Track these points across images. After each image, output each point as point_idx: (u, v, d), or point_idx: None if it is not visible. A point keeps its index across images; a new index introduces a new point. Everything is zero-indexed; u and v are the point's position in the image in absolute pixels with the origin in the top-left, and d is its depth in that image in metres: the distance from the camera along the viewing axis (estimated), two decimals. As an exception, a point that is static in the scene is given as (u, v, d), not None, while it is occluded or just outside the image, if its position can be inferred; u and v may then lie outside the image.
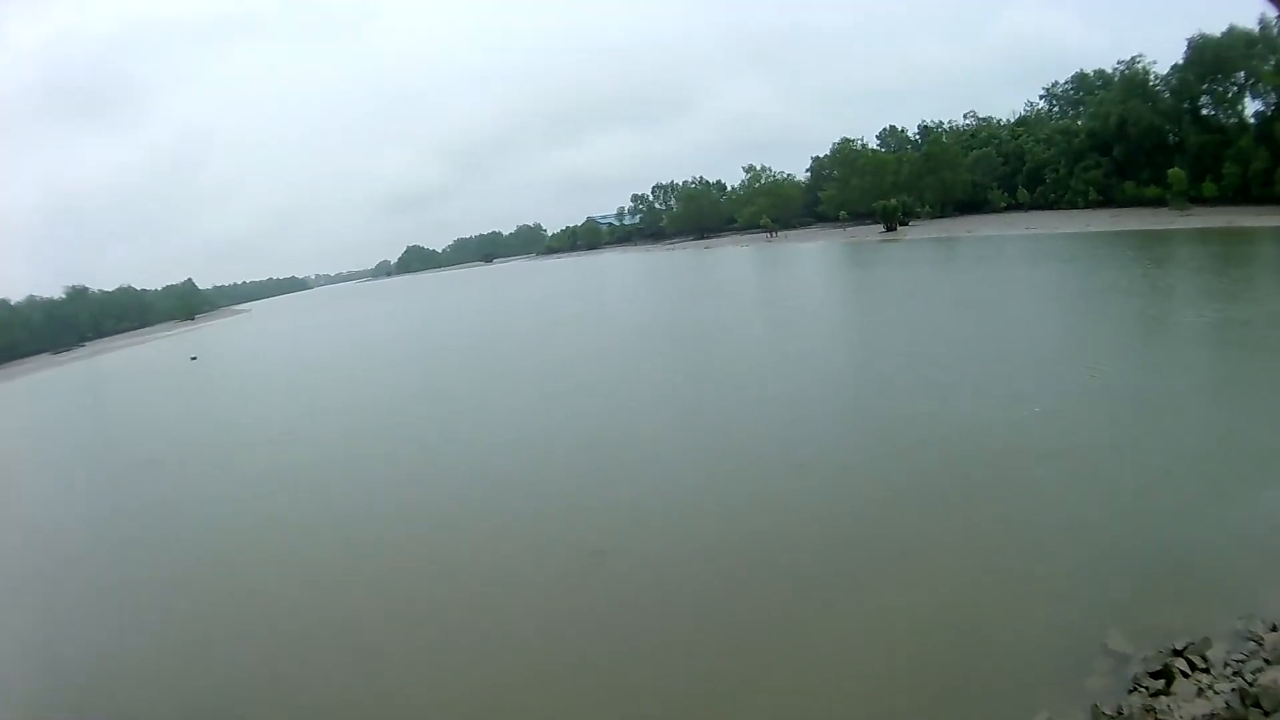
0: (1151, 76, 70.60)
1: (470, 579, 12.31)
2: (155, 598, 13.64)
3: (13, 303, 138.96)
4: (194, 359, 68.08)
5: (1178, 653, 7.85)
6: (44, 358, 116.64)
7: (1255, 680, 7.17)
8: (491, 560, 12.89)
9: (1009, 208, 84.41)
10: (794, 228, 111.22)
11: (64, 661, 11.70)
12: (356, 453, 22.02)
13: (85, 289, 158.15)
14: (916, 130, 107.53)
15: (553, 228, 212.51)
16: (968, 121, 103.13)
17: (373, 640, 10.79)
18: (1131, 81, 71.52)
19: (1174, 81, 67.05)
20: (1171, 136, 67.00)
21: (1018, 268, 42.15)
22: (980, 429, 15.49)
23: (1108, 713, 7.37)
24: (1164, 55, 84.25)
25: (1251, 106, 62.70)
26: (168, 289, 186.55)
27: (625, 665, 9.37)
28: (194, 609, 12.81)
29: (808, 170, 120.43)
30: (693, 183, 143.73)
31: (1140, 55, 72.13)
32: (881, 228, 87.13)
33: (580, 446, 18.68)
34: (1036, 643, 8.57)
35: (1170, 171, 62.96)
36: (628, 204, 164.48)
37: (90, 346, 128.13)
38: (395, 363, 41.91)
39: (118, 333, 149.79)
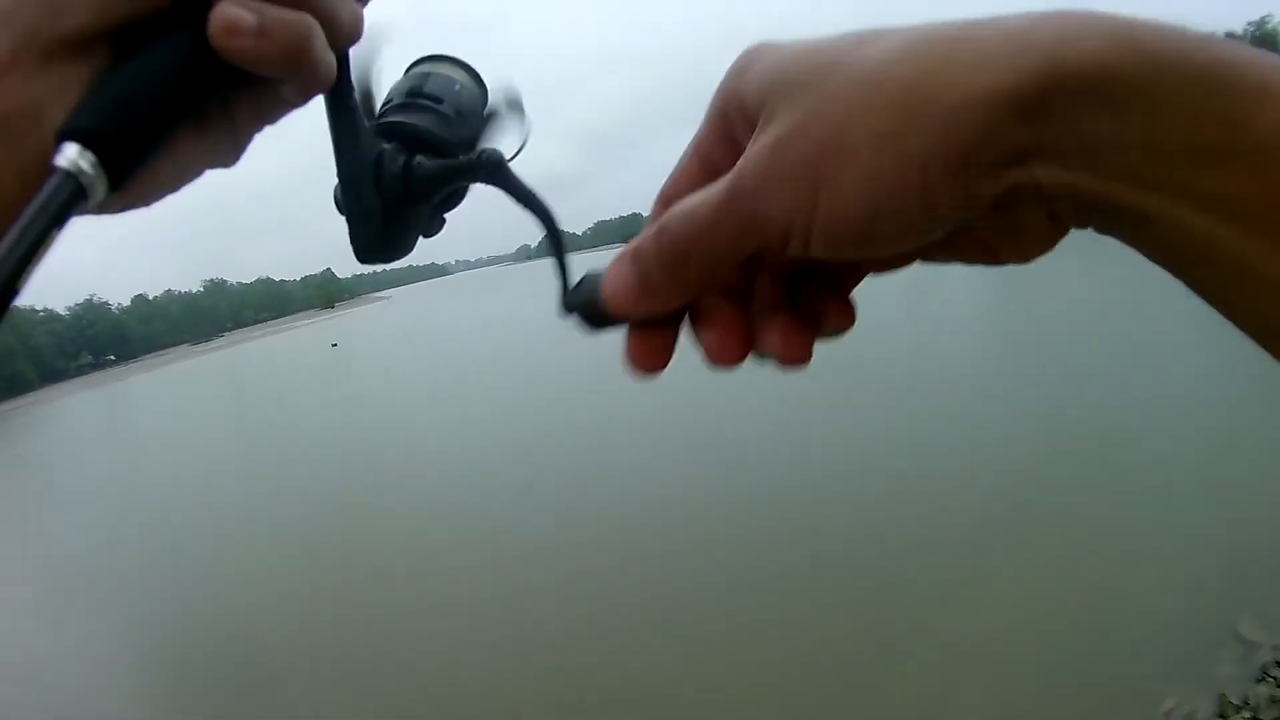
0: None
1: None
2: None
3: (150, 297, 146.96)
4: (334, 345, 70.07)
5: (1312, 643, 7.37)
6: (183, 349, 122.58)
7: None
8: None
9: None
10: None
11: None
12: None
13: (223, 282, 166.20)
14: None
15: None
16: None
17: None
18: (1263, 44, 64.98)
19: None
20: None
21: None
22: (1116, 415, 14.75)
23: (1234, 701, 7.12)
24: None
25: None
26: (306, 279, 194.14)
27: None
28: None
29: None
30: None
31: (1269, 15, 65.47)
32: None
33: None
34: (1167, 627, 8.24)
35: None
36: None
37: (228, 337, 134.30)
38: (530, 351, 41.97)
39: (256, 323, 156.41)
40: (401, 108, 0.54)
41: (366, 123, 0.52)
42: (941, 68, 0.35)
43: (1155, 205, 0.34)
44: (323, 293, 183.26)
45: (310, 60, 0.43)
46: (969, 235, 0.40)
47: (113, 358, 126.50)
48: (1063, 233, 0.39)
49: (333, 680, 9.75)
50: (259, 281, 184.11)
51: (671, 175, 0.48)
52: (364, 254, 0.53)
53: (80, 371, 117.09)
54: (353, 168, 0.51)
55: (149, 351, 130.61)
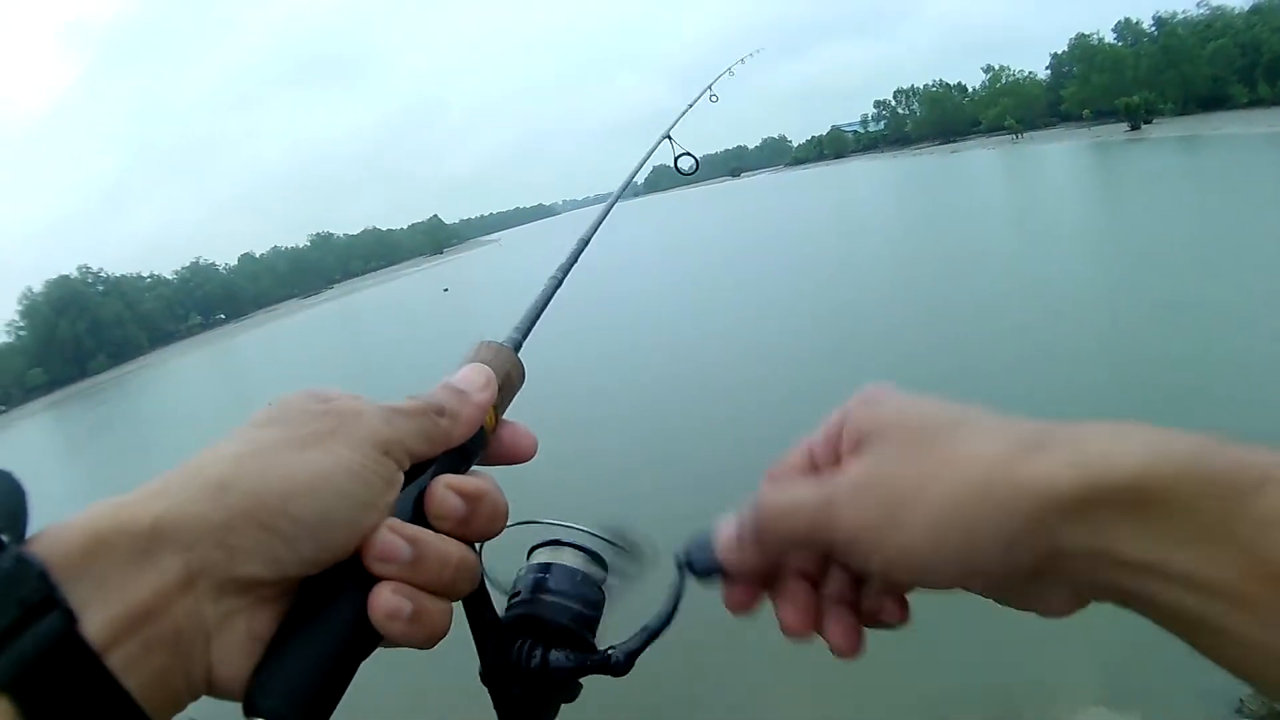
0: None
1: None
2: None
3: (257, 255, 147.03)
4: (445, 290, 66.50)
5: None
6: (293, 303, 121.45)
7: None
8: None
9: (1251, 103, 73.26)
10: (1038, 128, 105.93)
11: None
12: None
13: (329, 234, 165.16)
14: (1151, 22, 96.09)
15: (797, 138, 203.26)
16: (1201, 10, 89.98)
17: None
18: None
19: None
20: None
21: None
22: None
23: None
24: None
25: None
26: (413, 226, 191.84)
27: None
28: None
29: (1047, 68, 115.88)
30: (934, 86, 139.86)
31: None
32: (1125, 126, 79.75)
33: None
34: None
35: None
36: (870, 111, 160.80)
37: (339, 288, 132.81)
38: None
39: (365, 273, 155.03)
40: (530, 602, 0.59)
41: (500, 614, 0.58)
42: (1014, 461, 0.43)
43: (1157, 589, 0.41)
44: (430, 238, 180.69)
45: (443, 632, 0.49)
46: (1005, 586, 0.46)
47: (223, 316, 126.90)
48: (1084, 604, 0.46)
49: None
50: (365, 232, 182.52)
51: (783, 459, 0.55)
52: None
53: (190, 332, 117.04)
54: (495, 666, 0.56)
55: (259, 308, 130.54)
